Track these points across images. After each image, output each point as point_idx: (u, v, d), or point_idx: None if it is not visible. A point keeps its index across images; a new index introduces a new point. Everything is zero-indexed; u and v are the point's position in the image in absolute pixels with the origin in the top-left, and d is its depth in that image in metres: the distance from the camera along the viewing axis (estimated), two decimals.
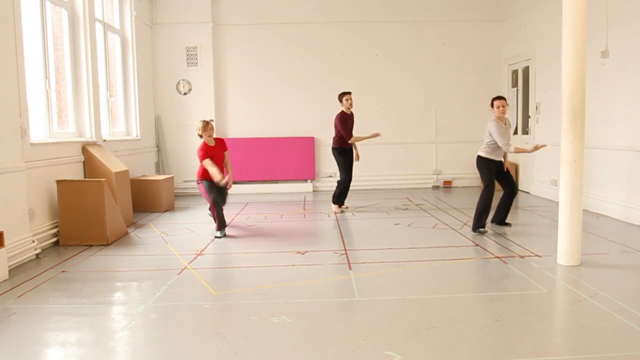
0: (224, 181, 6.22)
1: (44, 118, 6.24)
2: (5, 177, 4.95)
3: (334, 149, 7.66)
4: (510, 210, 6.52)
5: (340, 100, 7.57)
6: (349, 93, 7.61)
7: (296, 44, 10.24)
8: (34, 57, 6.12)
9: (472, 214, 7.36)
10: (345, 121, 7.49)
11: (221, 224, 6.28)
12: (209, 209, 6.71)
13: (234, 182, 10.17)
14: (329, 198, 8.24)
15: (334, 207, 7.78)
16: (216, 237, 6.17)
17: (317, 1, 10.19)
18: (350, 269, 4.79)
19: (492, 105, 6.15)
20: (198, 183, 6.47)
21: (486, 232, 6.08)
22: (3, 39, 5.04)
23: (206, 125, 6.43)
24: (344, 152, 7.59)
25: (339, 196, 7.77)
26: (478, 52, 10.39)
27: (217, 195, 6.33)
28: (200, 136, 6.45)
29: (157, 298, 4.06)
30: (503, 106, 6.07)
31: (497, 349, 3.08)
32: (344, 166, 7.59)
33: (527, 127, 9.46)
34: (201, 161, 6.33)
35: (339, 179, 7.76)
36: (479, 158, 6.18)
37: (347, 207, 7.98)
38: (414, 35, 10.30)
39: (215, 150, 6.46)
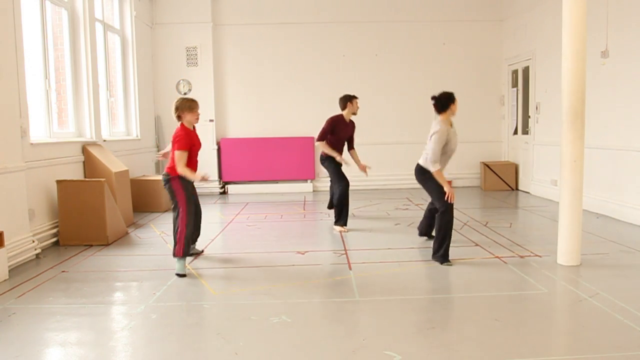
0: (203, 176, 4.60)
1: (44, 118, 6.23)
2: (5, 177, 4.95)
3: (323, 160, 6.56)
4: (508, 210, 6.49)
5: (346, 104, 6.47)
6: (357, 98, 6.56)
7: (296, 44, 10.24)
8: (34, 57, 6.12)
9: (472, 213, 7.40)
10: (334, 125, 6.41)
11: (187, 248, 4.75)
12: (180, 220, 4.75)
13: (229, 183, 10.23)
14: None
15: (338, 227, 6.46)
16: (177, 274, 4.65)
17: (317, 1, 10.19)
18: (350, 269, 4.79)
19: (447, 107, 4.93)
20: (172, 179, 4.76)
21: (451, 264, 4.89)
22: (3, 39, 5.03)
23: (195, 103, 4.85)
24: (334, 160, 6.49)
25: (342, 212, 6.43)
26: (478, 52, 10.39)
27: (196, 202, 4.99)
28: (179, 117, 4.79)
29: (157, 298, 4.06)
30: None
31: (497, 349, 3.08)
32: (337, 173, 6.45)
33: (527, 127, 9.46)
34: (181, 149, 4.65)
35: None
36: (424, 170, 5.03)
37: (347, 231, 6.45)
38: (414, 35, 10.30)
39: (196, 138, 4.89)
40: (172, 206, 4.89)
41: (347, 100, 6.50)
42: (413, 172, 5.23)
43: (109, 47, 8.35)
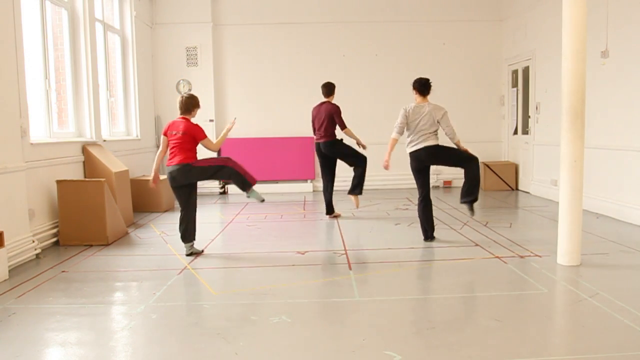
0: (233, 122, 5.63)
1: (44, 118, 6.23)
2: (5, 177, 4.95)
3: (336, 142, 7.08)
4: (508, 210, 6.49)
5: (333, 92, 7.25)
6: None
7: (296, 44, 10.24)
8: (34, 57, 6.12)
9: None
10: None
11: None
12: (231, 164, 5.33)
13: (229, 183, 10.20)
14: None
15: (355, 199, 7.18)
16: (262, 200, 5.43)
17: (317, 1, 10.19)
18: (350, 269, 4.79)
19: (430, 89, 5.96)
20: (197, 163, 5.30)
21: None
22: (3, 39, 5.03)
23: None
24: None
25: (361, 183, 7.13)
26: (478, 52, 10.39)
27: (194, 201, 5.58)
28: (190, 112, 5.47)
29: (157, 298, 4.06)
30: None
31: (497, 349, 3.08)
32: (356, 151, 7.14)
33: (527, 127, 9.46)
34: (206, 136, 5.38)
35: (353, 168, 7.19)
36: (440, 147, 5.78)
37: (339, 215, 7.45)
38: (414, 35, 10.30)
39: None
40: (181, 199, 5.36)
41: (334, 87, 7.30)
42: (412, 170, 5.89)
43: (109, 47, 8.35)
